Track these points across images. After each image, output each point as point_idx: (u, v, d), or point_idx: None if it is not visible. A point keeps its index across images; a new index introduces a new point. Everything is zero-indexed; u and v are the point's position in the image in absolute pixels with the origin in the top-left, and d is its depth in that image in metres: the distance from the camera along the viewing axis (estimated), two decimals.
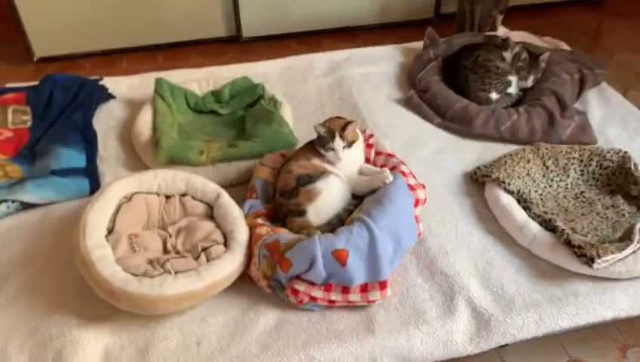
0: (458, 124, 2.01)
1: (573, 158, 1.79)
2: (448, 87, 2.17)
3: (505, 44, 2.16)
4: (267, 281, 1.42)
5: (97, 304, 1.36)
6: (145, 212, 1.55)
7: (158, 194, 1.59)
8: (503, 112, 1.99)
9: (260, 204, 1.61)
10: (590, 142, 1.93)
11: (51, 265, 1.50)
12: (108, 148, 1.94)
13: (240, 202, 1.61)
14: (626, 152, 1.77)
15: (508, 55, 2.14)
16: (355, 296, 1.37)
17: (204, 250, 1.44)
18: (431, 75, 2.21)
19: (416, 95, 2.15)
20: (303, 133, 1.83)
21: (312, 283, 1.37)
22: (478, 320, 1.37)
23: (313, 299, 1.38)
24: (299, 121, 2.04)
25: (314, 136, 1.63)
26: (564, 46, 2.46)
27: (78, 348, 1.29)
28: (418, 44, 2.44)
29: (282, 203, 1.56)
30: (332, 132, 1.58)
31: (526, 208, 1.62)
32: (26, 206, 1.67)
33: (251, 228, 1.51)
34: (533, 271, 1.48)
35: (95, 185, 1.74)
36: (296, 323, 1.37)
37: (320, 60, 2.41)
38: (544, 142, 1.85)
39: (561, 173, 1.77)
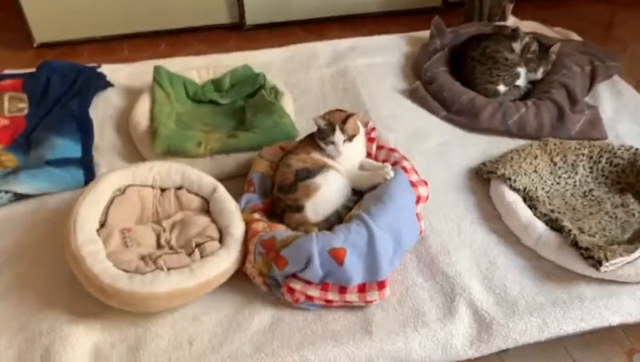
0: (464, 117, 1.95)
1: (583, 155, 1.73)
2: (455, 78, 2.11)
3: (514, 34, 2.09)
4: (263, 279, 1.38)
5: (89, 299, 1.32)
6: (139, 205, 1.51)
7: (152, 187, 1.55)
8: (511, 106, 1.93)
9: (257, 199, 1.56)
10: (600, 137, 1.87)
11: (44, 258, 1.47)
12: (105, 137, 1.90)
13: (238, 195, 1.57)
14: (637, 149, 1.71)
15: (517, 46, 2.07)
16: (352, 296, 1.33)
17: (198, 245, 1.40)
18: (437, 65, 2.15)
19: (422, 86, 2.09)
20: (305, 126, 1.78)
21: (308, 282, 1.33)
22: (480, 323, 1.32)
23: (309, 298, 1.34)
24: (300, 112, 1.99)
25: (315, 128, 1.58)
26: (575, 37, 2.39)
27: (67, 345, 1.26)
28: (424, 34, 2.38)
29: (280, 198, 1.52)
30: (332, 125, 1.52)
31: (532, 206, 1.56)
32: (19, 197, 1.64)
33: (247, 224, 1.46)
34: (537, 273, 1.43)
35: (90, 176, 1.70)
36: (291, 323, 1.33)
37: (323, 49, 2.35)
38: (552, 138, 1.80)
39: (569, 169, 1.71)
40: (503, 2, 2.62)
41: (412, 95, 2.09)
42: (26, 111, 1.96)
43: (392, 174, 1.47)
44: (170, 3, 2.97)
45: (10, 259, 1.48)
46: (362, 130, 1.62)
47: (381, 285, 1.33)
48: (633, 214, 1.57)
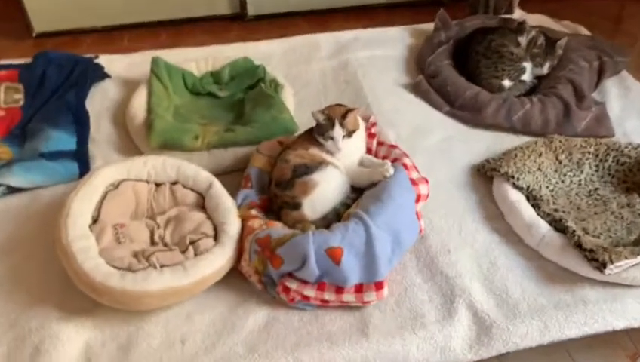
0: (468, 113, 1.91)
1: (589, 153, 1.68)
2: (459, 72, 2.06)
3: (520, 28, 2.04)
4: (258, 277, 1.35)
5: (80, 296, 1.30)
6: (133, 200, 1.48)
7: (147, 181, 1.52)
8: (516, 101, 1.89)
9: (254, 195, 1.53)
10: (607, 135, 1.82)
11: (36, 252, 1.45)
12: (101, 130, 1.87)
13: (235, 190, 1.54)
14: None
15: (523, 40, 2.02)
16: (349, 297, 1.30)
17: (192, 243, 1.37)
18: (441, 59, 2.10)
19: (425, 80, 2.05)
20: (304, 120, 1.73)
21: (304, 282, 1.30)
22: (479, 325, 1.29)
23: (305, 297, 1.30)
24: (300, 106, 1.94)
25: (315, 123, 1.54)
26: (584, 31, 2.33)
27: (57, 343, 1.24)
28: (429, 26, 2.33)
29: (277, 194, 1.48)
30: (331, 120, 1.49)
31: (535, 206, 1.52)
32: (12, 190, 1.61)
33: (243, 221, 1.43)
34: (540, 274, 1.40)
35: (85, 169, 1.67)
36: (286, 323, 1.30)
37: (325, 41, 2.31)
38: (558, 135, 1.75)
39: (574, 168, 1.67)
40: None
41: (415, 89, 2.05)
42: (21, 102, 1.93)
43: (391, 172, 1.43)
44: None
45: (3, 253, 1.45)
46: (362, 126, 1.58)
47: (379, 286, 1.29)
48: (639, 214, 1.53)
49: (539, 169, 1.63)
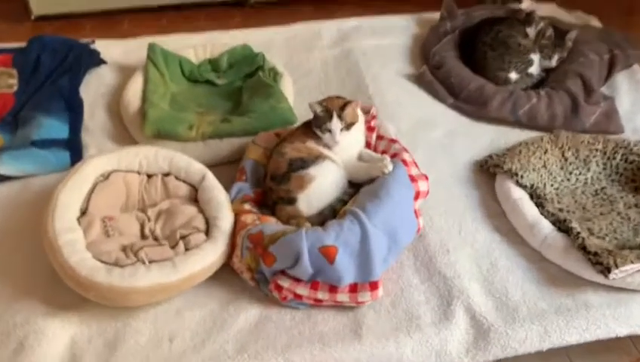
0: (472, 106, 1.85)
1: (596, 150, 1.62)
2: (465, 63, 2.00)
3: (529, 18, 1.97)
4: (251, 274, 1.32)
5: (67, 290, 1.26)
6: (124, 191, 1.44)
7: (138, 172, 1.48)
8: (522, 95, 1.83)
9: (248, 188, 1.49)
10: (616, 131, 1.76)
11: (24, 243, 1.41)
12: (95, 117, 1.83)
13: (230, 182, 1.50)
14: None
15: (531, 31, 1.95)
16: (343, 296, 1.26)
17: (182, 237, 1.33)
18: (446, 49, 2.04)
19: (429, 71, 1.99)
20: (304, 111, 1.67)
21: (297, 280, 1.26)
22: (477, 329, 1.25)
23: (298, 296, 1.27)
24: (300, 96, 1.89)
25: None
26: (595, 22, 2.26)
27: (42, 339, 1.21)
28: (434, 15, 2.25)
29: (272, 188, 1.44)
30: (329, 111, 1.44)
31: (539, 204, 1.47)
32: (2, 178, 1.57)
33: (237, 215, 1.39)
34: (541, 276, 1.35)
35: (77, 159, 1.63)
36: (278, 322, 1.26)
37: (327, 29, 2.24)
38: (565, 130, 1.69)
39: (581, 165, 1.61)
40: None
41: (418, 80, 1.99)
42: (15, 88, 1.88)
43: (390, 167, 1.38)
44: None
45: None
46: (362, 119, 1.53)
47: (373, 286, 1.25)
48: None
49: (544, 166, 1.57)
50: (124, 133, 1.77)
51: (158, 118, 1.68)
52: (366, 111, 1.60)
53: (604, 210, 1.51)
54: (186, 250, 1.31)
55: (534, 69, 1.94)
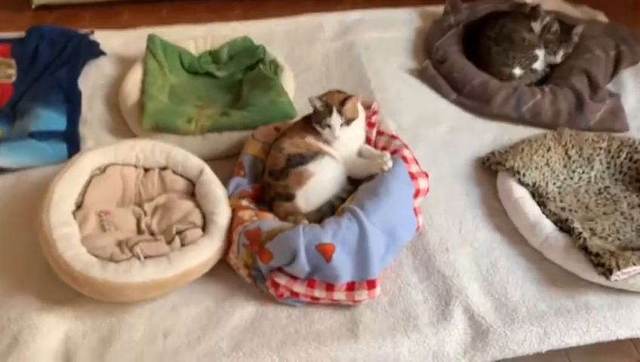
0: (475, 101, 1.82)
1: (600, 148, 1.60)
2: (468, 58, 1.97)
3: (534, 13, 1.94)
4: (247, 271, 1.30)
5: (62, 285, 1.25)
6: (120, 185, 1.42)
7: (135, 166, 1.46)
8: (526, 91, 1.80)
9: (246, 183, 1.47)
10: (621, 129, 1.74)
11: (19, 237, 1.40)
12: (93, 109, 1.81)
13: (229, 176, 1.48)
14: None
15: (537, 26, 1.92)
16: (340, 295, 1.24)
17: (179, 233, 1.31)
18: (450, 43, 2.01)
19: (432, 66, 1.96)
20: (304, 105, 1.65)
21: (294, 278, 1.25)
22: (475, 329, 1.23)
23: (295, 294, 1.25)
24: (301, 89, 1.86)
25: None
26: (602, 17, 2.22)
27: (36, 334, 1.20)
28: (438, 8, 2.22)
29: (270, 184, 1.42)
30: (329, 106, 1.42)
31: (541, 203, 1.45)
32: None
33: (234, 211, 1.38)
34: (541, 277, 1.33)
35: (74, 151, 1.61)
36: (274, 319, 1.25)
37: (329, 21, 2.21)
38: (568, 128, 1.67)
39: (584, 164, 1.59)
40: None
41: (421, 75, 1.96)
42: (13, 78, 1.87)
43: (390, 164, 1.36)
44: None
45: None
46: (362, 114, 1.50)
47: (371, 284, 1.24)
48: None
49: (547, 164, 1.55)
50: (123, 125, 1.76)
51: (156, 111, 1.66)
52: (367, 107, 1.57)
53: (607, 210, 1.48)
54: (182, 245, 1.29)
55: (539, 65, 1.92)
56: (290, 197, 1.38)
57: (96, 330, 1.23)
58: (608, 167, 1.59)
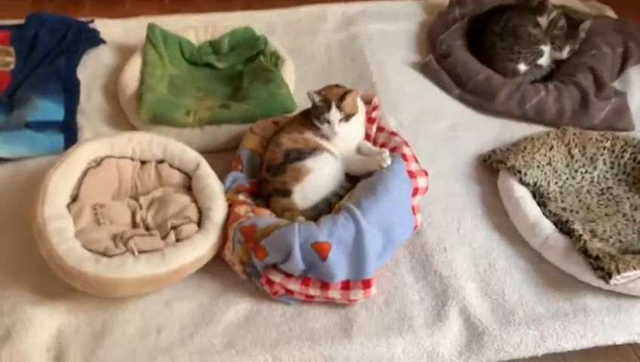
0: (478, 97, 1.80)
1: (604, 148, 1.57)
2: (473, 53, 1.93)
3: (541, 7, 1.89)
4: (243, 267, 1.29)
5: (55, 278, 1.24)
6: (116, 178, 1.41)
7: (132, 159, 1.45)
8: (530, 87, 1.77)
9: (244, 178, 1.45)
10: (626, 128, 1.70)
11: (13, 229, 1.39)
12: (91, 99, 1.79)
13: (226, 170, 1.47)
14: None
15: (543, 20, 1.88)
16: (335, 293, 1.23)
17: (174, 228, 1.30)
18: (454, 37, 1.97)
19: (435, 60, 1.93)
20: (305, 99, 1.61)
21: (288, 275, 1.24)
22: (471, 331, 1.22)
23: (289, 291, 1.24)
24: (302, 81, 1.84)
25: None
26: (611, 12, 2.18)
27: (29, 327, 1.19)
28: (443, 1, 2.18)
29: (268, 179, 1.41)
30: (328, 101, 1.39)
31: (541, 204, 1.43)
32: None
33: (230, 206, 1.36)
34: (540, 279, 1.31)
35: (71, 142, 1.60)
36: (268, 317, 1.24)
37: (333, 12, 2.18)
38: (572, 126, 1.64)
39: (587, 163, 1.56)
40: None
41: (424, 69, 1.93)
42: (12, 66, 1.85)
43: (389, 162, 1.34)
44: None
45: None
46: (362, 109, 1.48)
47: (366, 284, 1.22)
48: None
49: (549, 163, 1.53)
50: (121, 116, 1.74)
51: (154, 102, 1.64)
52: (367, 101, 1.54)
53: (609, 211, 1.46)
54: (177, 240, 1.28)
55: (544, 61, 1.88)
56: (287, 193, 1.36)
57: (89, 325, 1.22)
58: (612, 167, 1.56)
